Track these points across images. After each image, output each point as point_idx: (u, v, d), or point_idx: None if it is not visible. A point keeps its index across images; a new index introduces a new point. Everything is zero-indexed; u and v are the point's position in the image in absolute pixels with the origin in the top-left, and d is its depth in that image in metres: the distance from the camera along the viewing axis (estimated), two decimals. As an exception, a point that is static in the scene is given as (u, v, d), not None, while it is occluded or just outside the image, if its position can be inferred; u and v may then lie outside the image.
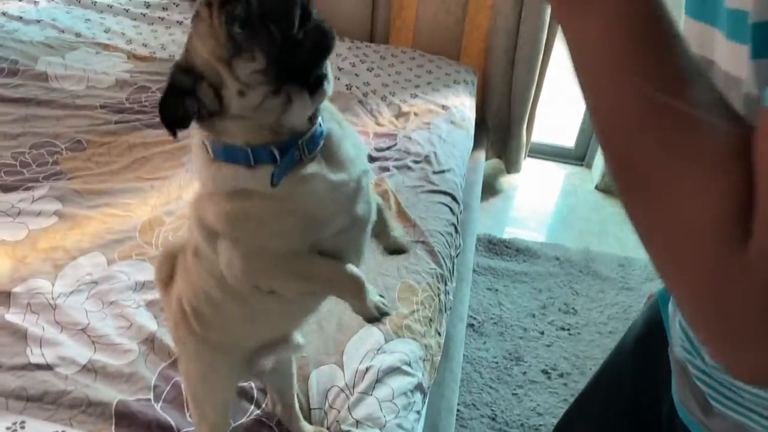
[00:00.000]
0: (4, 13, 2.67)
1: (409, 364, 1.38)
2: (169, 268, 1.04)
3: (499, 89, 2.92)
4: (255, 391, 1.31)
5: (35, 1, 2.81)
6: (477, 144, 2.71)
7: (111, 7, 2.86)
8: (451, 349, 1.79)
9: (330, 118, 0.88)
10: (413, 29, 2.93)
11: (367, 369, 1.35)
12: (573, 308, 2.40)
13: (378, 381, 1.33)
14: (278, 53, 0.73)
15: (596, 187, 3.17)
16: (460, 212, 2.04)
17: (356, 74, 2.55)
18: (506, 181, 3.18)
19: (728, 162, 0.44)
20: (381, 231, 1.05)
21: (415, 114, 2.34)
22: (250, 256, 0.85)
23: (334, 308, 1.48)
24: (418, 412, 1.35)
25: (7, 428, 1.17)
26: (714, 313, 0.46)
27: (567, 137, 3.40)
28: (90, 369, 1.30)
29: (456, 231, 1.91)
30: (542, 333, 2.29)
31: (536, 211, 3.04)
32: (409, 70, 2.65)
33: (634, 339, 1.09)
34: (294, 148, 0.80)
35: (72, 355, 1.32)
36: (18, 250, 1.56)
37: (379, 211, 1.01)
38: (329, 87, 0.83)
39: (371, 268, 1.62)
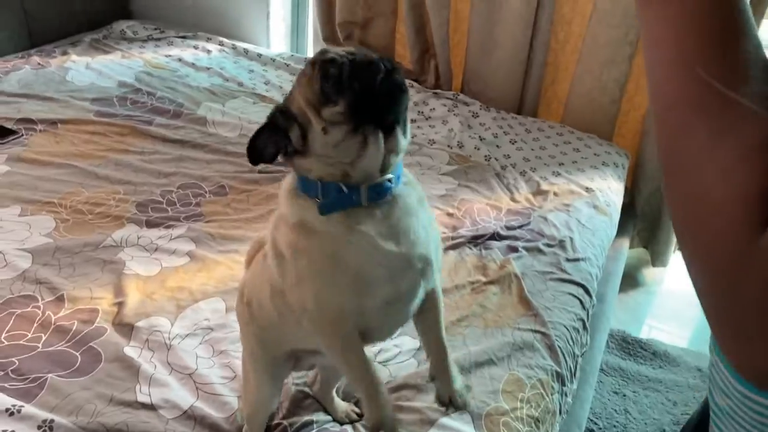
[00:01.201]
0: (179, 59, 2.93)
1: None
2: (255, 252, 1.15)
3: (653, 175, 2.73)
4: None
5: (208, 50, 3.06)
6: (621, 230, 2.53)
7: (274, 60, 3.03)
8: (564, 456, 1.63)
9: (411, 192, 0.95)
10: (564, 104, 2.83)
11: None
12: (713, 430, 2.12)
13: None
14: (357, 102, 0.87)
15: (755, 294, 2.83)
16: (592, 306, 1.88)
17: (497, 145, 2.49)
18: (650, 274, 2.93)
19: (761, 150, 0.48)
20: (440, 376, 1.07)
21: (555, 194, 2.22)
22: (313, 302, 0.93)
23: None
24: None
25: (102, 461, 1.20)
26: (725, 300, 0.50)
27: (725, 234, 3.09)
28: (190, 416, 1.31)
29: (584, 327, 1.76)
30: (672, 453, 2.03)
31: (681, 313, 2.76)
32: (554, 146, 2.55)
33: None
34: (355, 190, 0.89)
35: (176, 399, 1.34)
36: (149, 285, 1.64)
37: (442, 353, 1.05)
38: (405, 137, 0.92)
39: (479, 351, 1.52)
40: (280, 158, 0.92)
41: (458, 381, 1.06)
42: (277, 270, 0.97)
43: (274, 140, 0.90)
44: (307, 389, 1.41)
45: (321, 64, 0.88)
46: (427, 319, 1.03)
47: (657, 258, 2.85)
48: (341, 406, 1.39)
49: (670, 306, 2.79)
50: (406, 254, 0.91)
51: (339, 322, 0.95)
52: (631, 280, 2.85)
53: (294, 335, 1.08)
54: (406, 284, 0.94)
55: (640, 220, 2.80)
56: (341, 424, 1.35)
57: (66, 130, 2.29)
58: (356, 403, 1.41)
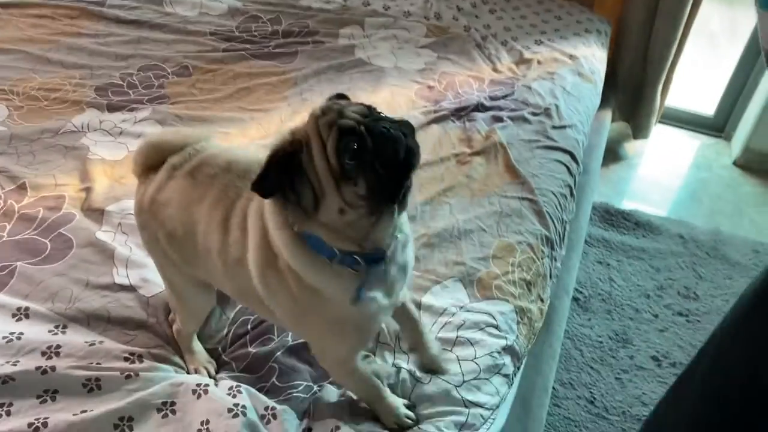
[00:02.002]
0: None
1: (497, 326, 1.25)
2: (156, 159, 1.07)
3: (636, 44, 2.62)
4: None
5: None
6: (603, 102, 2.45)
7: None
8: (553, 321, 1.62)
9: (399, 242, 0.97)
10: (544, -28, 2.67)
11: (446, 324, 1.24)
12: (694, 293, 2.15)
13: (458, 338, 1.21)
14: (378, 185, 0.83)
15: (735, 163, 2.82)
16: (579, 173, 1.84)
17: (476, 15, 2.36)
18: (632, 147, 2.89)
19: None
20: (418, 345, 1.18)
21: (539, 62, 2.13)
22: (323, 340, 1.05)
23: (419, 253, 1.36)
24: (507, 377, 1.21)
25: (86, 342, 1.15)
26: None
27: (706, 104, 3.04)
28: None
29: (572, 194, 1.72)
30: (656, 316, 2.06)
31: (662, 184, 2.74)
32: (535, 15, 2.42)
33: (748, 303, 0.94)
34: (381, 264, 0.93)
35: (155, 278, 1.28)
36: (116, 169, 1.55)
37: (415, 324, 1.16)
38: (411, 198, 0.92)
39: (467, 219, 1.48)
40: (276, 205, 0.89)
41: (434, 347, 1.18)
42: (259, 273, 0.96)
43: (281, 183, 0.85)
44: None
45: (340, 132, 0.82)
46: (409, 327, 1.17)
47: (638, 130, 2.80)
48: (434, 349, 1.23)
49: (651, 178, 2.77)
50: (394, 303, 1.03)
51: (346, 362, 1.05)
52: (612, 155, 2.81)
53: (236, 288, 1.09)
54: (396, 296, 1.02)
55: (621, 91, 2.72)
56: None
57: (10, 14, 2.10)
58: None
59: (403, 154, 0.83)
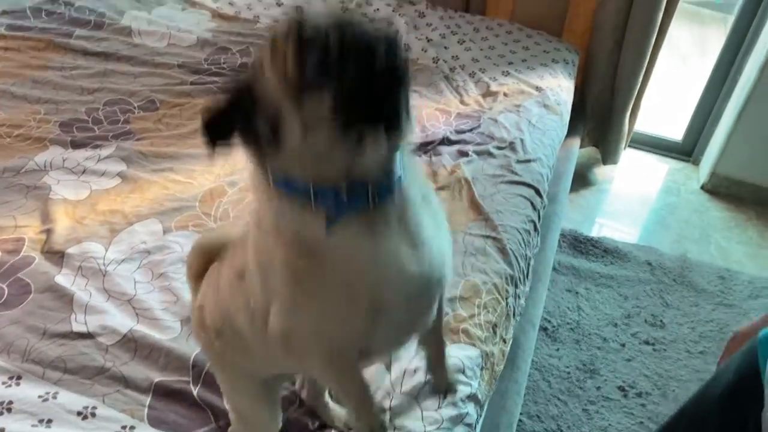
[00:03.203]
0: (99, -35, 2.67)
1: (463, 372, 1.25)
2: (201, 264, 1.00)
3: (603, 72, 2.67)
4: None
5: (131, -46, 2.79)
6: (571, 130, 2.49)
7: (203, -37, 2.80)
8: (518, 357, 1.64)
9: (417, 189, 0.80)
10: (512, 0, 2.71)
11: (416, 370, 1.23)
12: (661, 321, 2.18)
13: (426, 384, 1.21)
14: (350, 94, 0.66)
15: (702, 187, 2.87)
16: (543, 207, 1.86)
17: (445, 47, 2.38)
18: (601, 172, 2.93)
19: None
20: (438, 371, 1.12)
21: (505, 94, 2.15)
22: (301, 324, 0.81)
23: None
24: (470, 426, 1.22)
25: (40, 396, 1.14)
26: None
27: (674, 129, 3.09)
28: (130, 338, 1.26)
29: (535, 229, 1.74)
30: (623, 345, 2.08)
31: (631, 209, 2.78)
32: (503, 45, 2.45)
33: (722, 389, 0.94)
34: (362, 191, 0.73)
35: (114, 325, 1.27)
36: (78, 210, 1.54)
37: (440, 350, 1.08)
38: (410, 128, 0.74)
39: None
40: (246, 151, 0.74)
41: (452, 374, 1.13)
42: (262, 289, 0.83)
43: (233, 127, 0.71)
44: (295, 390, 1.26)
45: (298, 33, 0.66)
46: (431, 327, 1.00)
47: (608, 156, 2.84)
48: (337, 411, 1.21)
49: (620, 203, 2.80)
50: (428, 276, 0.79)
51: (340, 354, 0.83)
52: (582, 180, 2.84)
53: (273, 364, 0.96)
54: (422, 308, 0.84)
55: (590, 119, 2.76)
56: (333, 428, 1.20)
57: (-26, 47, 2.08)
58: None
59: (382, 61, 0.67)
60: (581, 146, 2.82)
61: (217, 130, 0.72)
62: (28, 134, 1.74)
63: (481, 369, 1.30)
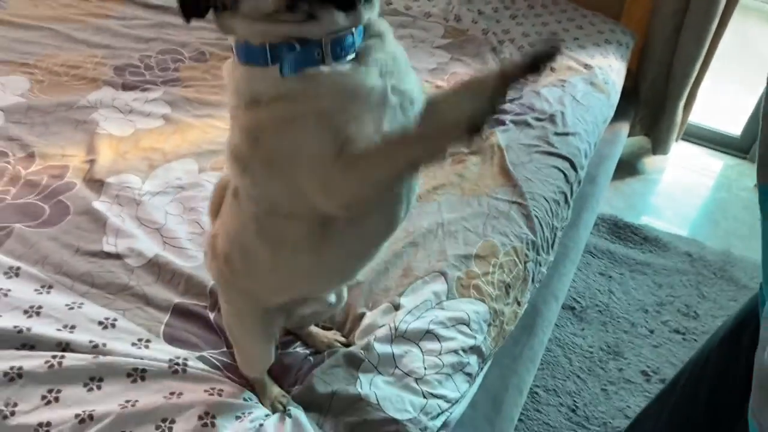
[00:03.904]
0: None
1: (468, 324, 1.26)
2: (221, 199, 1.02)
3: (660, 58, 2.60)
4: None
5: None
6: (622, 115, 2.44)
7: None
8: (536, 325, 1.63)
9: (379, 44, 0.80)
10: (572, -20, 2.67)
11: (419, 318, 1.25)
12: (695, 312, 2.12)
13: (428, 332, 1.23)
14: None
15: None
16: (578, 182, 1.84)
17: (497, 20, 2.37)
18: (650, 162, 2.86)
19: None
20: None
21: (552, 69, 2.12)
22: (293, 171, 0.78)
23: (401, 253, 1.39)
24: (470, 375, 1.23)
25: (67, 305, 1.21)
26: None
27: (733, 124, 2.98)
28: (155, 263, 1.32)
29: (566, 201, 1.72)
30: (651, 332, 2.04)
31: (678, 201, 2.71)
32: (557, 23, 2.42)
33: (722, 335, 0.93)
34: (316, 45, 0.74)
35: (141, 249, 1.34)
36: (122, 144, 1.61)
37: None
38: (369, 7, 0.76)
39: (454, 219, 1.50)
40: (212, 15, 0.77)
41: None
42: (242, 178, 0.85)
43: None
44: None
45: None
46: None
47: (658, 146, 2.77)
48: (322, 335, 1.26)
49: (667, 194, 2.73)
50: (376, 87, 0.76)
51: (339, 158, 0.74)
52: (630, 168, 2.78)
53: (279, 275, 0.95)
54: (388, 124, 0.78)
55: (642, 106, 2.69)
56: (322, 352, 1.23)
57: (45, -7, 2.20)
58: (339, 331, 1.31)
59: None
60: (632, 134, 2.76)
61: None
62: (83, 75, 1.84)
63: (489, 325, 1.31)
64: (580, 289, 2.15)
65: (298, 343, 1.26)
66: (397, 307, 1.27)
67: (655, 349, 1.99)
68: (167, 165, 1.57)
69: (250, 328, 1.08)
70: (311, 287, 1.05)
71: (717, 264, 2.31)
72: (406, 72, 0.82)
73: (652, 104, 2.70)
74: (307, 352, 1.25)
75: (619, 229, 2.42)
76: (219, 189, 1.06)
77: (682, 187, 2.78)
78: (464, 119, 0.70)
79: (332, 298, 1.18)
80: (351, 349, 1.21)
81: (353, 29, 0.77)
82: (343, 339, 1.27)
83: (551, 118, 1.89)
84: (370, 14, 0.78)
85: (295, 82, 0.75)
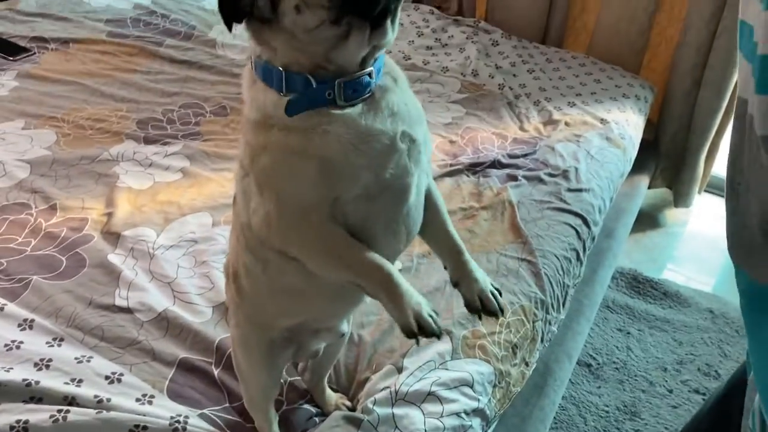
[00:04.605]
0: (198, -17, 2.89)
1: (471, 386, 1.25)
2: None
3: (680, 111, 2.60)
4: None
5: (228, -25, 3.00)
6: (642, 168, 2.44)
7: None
8: (548, 385, 1.61)
9: (386, 72, 0.83)
10: (591, 35, 2.70)
11: (421, 379, 1.25)
12: (716, 371, 2.07)
13: (430, 394, 1.22)
14: None
15: (783, 240, 2.70)
16: (592, 239, 1.83)
17: (514, 74, 2.40)
18: (672, 215, 2.82)
19: None
20: (463, 278, 0.91)
21: (567, 124, 2.14)
22: (270, 201, 0.81)
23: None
24: (473, 439, 1.21)
25: (76, 358, 1.24)
26: None
27: (758, 177, 2.94)
28: (164, 317, 1.34)
29: (578, 258, 1.71)
30: (670, 391, 1.99)
31: (700, 255, 2.66)
32: (574, 77, 2.44)
33: (713, 398, 0.93)
34: (328, 85, 0.76)
35: (152, 303, 1.37)
36: (139, 198, 1.66)
37: (457, 252, 0.91)
38: (393, 31, 0.79)
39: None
40: (244, 24, 0.78)
41: (485, 281, 0.91)
42: (243, 198, 0.86)
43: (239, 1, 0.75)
44: (298, 378, 1.30)
45: None
46: (430, 221, 0.91)
47: (680, 198, 2.74)
48: (332, 397, 1.25)
49: (690, 248, 2.69)
50: (392, 132, 0.79)
51: (305, 216, 0.78)
52: (651, 221, 2.76)
53: (276, 295, 0.94)
54: (393, 171, 0.79)
55: (663, 158, 2.68)
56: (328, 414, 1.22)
57: (77, 49, 2.30)
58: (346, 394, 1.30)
59: None
60: (653, 186, 2.75)
61: (232, 5, 0.76)
62: (108, 128, 1.90)
63: (494, 386, 1.30)
64: (597, 345, 2.12)
65: (308, 398, 1.26)
66: (400, 370, 1.26)
67: (674, 409, 1.94)
68: (182, 218, 1.61)
69: (256, 357, 1.06)
70: (312, 311, 1.00)
71: (740, 322, 2.25)
72: (418, 120, 0.84)
73: (673, 157, 2.68)
74: (314, 411, 1.26)
75: (639, 284, 2.38)
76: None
77: (705, 241, 2.74)
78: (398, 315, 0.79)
79: (344, 327, 1.14)
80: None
81: (371, 69, 0.79)
82: (348, 403, 1.27)
83: (564, 174, 1.89)
84: (394, 36, 0.79)
85: (306, 119, 0.77)
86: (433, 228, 0.92)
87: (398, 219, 0.84)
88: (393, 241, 0.86)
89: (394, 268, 0.82)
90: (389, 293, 0.80)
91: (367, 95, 0.79)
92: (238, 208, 0.90)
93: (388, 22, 0.77)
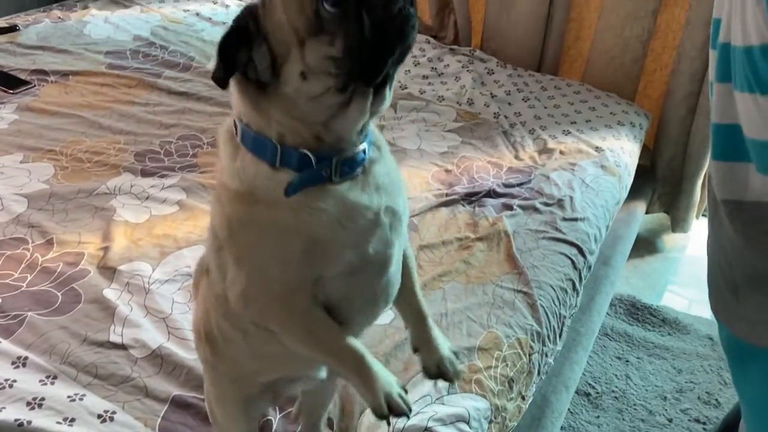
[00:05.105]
0: (197, 14, 2.93)
1: (467, 422, 1.24)
2: (202, 276, 1.02)
3: (676, 138, 2.61)
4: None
5: (226, 5, 3.04)
6: (639, 194, 2.45)
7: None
8: (545, 416, 1.60)
9: (372, 142, 0.81)
10: (585, 62, 2.72)
11: (418, 413, 1.24)
12: (716, 399, 2.05)
13: (426, 429, 1.21)
14: (360, 44, 0.67)
15: (782, 264, 2.69)
16: (588, 268, 1.83)
17: (509, 103, 2.42)
18: (670, 240, 2.82)
19: None
20: (423, 345, 0.93)
21: (561, 152, 2.15)
22: (250, 277, 0.79)
23: (403, 344, 1.38)
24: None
25: (69, 396, 1.23)
26: None
27: (756, 201, 2.94)
28: (158, 354, 1.34)
29: (574, 288, 1.71)
30: (670, 420, 1.97)
31: (699, 281, 2.62)
32: (569, 105, 2.46)
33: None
34: (326, 163, 0.74)
35: (146, 340, 1.36)
36: (136, 231, 1.67)
37: (422, 320, 0.92)
38: (390, 94, 0.77)
39: (458, 309, 1.50)
40: (234, 85, 0.74)
41: (444, 347, 0.94)
42: (218, 272, 0.83)
43: (239, 54, 0.71)
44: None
45: None
46: (401, 285, 0.90)
47: (678, 224, 2.74)
48: None
49: (689, 274, 2.68)
50: (377, 207, 0.77)
51: (287, 295, 0.78)
52: (649, 246, 2.75)
53: (258, 359, 0.93)
54: (375, 246, 0.78)
55: (660, 184, 2.69)
56: None
57: (77, 81, 2.33)
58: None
59: (397, 12, 0.67)
60: (651, 211, 2.75)
61: (230, 55, 0.71)
62: (105, 161, 1.92)
63: (489, 422, 1.29)
64: (595, 374, 2.11)
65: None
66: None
67: (674, 440, 1.92)
68: (178, 252, 1.61)
69: (233, 412, 1.04)
70: (296, 369, 0.99)
71: (740, 348, 2.24)
72: (398, 189, 0.84)
73: (670, 182, 2.69)
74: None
75: (637, 311, 2.38)
76: (202, 267, 1.01)
77: (704, 266, 2.71)
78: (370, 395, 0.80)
79: (323, 373, 1.09)
80: None
81: (365, 145, 0.77)
82: None
83: (560, 203, 1.90)
84: (389, 102, 0.78)
85: (296, 196, 0.74)
86: (403, 292, 0.91)
87: (377, 289, 0.84)
88: (372, 309, 0.88)
89: (367, 351, 0.83)
90: (362, 377, 0.81)
91: (359, 172, 0.78)
92: (213, 278, 0.87)
93: (387, 88, 0.75)
